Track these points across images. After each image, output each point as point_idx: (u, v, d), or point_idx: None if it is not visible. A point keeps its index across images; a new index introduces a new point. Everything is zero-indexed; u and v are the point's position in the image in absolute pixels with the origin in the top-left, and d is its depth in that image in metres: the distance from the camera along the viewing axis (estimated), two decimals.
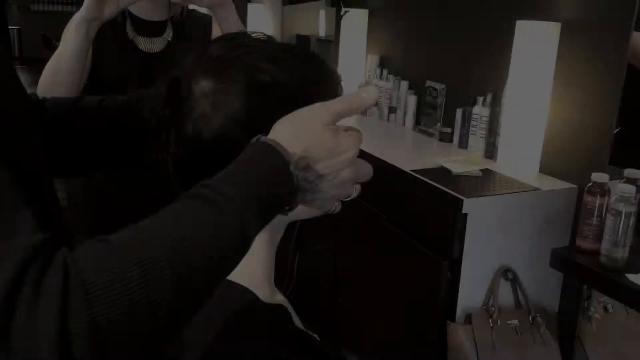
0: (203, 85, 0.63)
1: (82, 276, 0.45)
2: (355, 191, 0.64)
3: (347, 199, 0.64)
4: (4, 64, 0.69)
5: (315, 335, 0.80)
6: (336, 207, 0.65)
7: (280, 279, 2.76)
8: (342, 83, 0.72)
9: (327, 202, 0.63)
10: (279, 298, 0.76)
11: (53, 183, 0.77)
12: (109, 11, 1.27)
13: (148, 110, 0.85)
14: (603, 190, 1.40)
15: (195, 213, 0.52)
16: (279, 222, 0.71)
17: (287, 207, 0.59)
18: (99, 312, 0.44)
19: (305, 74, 0.65)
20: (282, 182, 0.56)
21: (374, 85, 0.63)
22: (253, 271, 0.71)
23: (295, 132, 0.59)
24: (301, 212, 0.71)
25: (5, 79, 0.68)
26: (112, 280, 0.45)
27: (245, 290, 0.68)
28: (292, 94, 0.63)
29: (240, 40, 0.67)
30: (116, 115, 0.87)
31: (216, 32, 1.58)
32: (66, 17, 1.41)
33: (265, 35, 0.69)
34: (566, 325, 1.70)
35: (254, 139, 0.59)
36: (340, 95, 0.71)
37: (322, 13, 3.57)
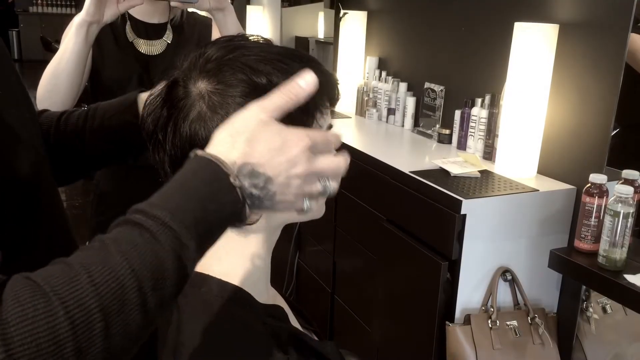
0: (200, 86, 0.64)
1: (4, 325, 0.41)
2: (327, 187, 0.59)
3: (324, 196, 0.60)
4: (12, 80, 0.70)
5: (313, 336, 0.80)
6: (308, 207, 0.60)
7: (280, 279, 2.77)
8: (340, 86, 0.72)
9: (291, 204, 0.58)
10: (276, 298, 0.76)
11: (56, 190, 0.77)
12: (109, 14, 1.28)
13: (107, 119, 0.85)
14: (601, 191, 1.41)
15: (128, 243, 0.48)
16: (275, 225, 0.72)
17: (237, 221, 0.56)
18: None
19: None
20: (223, 198, 0.53)
21: (310, 70, 0.61)
22: (249, 272, 0.71)
23: (233, 139, 0.55)
24: (292, 216, 0.71)
25: (15, 101, 0.68)
26: (36, 330, 0.42)
27: (241, 291, 0.68)
28: None
29: (238, 42, 0.67)
30: (72, 128, 0.87)
31: (216, 35, 1.59)
32: (65, 19, 1.42)
33: (263, 38, 0.70)
34: (565, 326, 1.70)
35: (191, 153, 0.56)
36: (338, 98, 0.71)
37: (321, 15, 3.59)
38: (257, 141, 0.55)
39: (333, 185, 0.59)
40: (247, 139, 0.55)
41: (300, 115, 0.64)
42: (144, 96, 0.85)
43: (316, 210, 0.73)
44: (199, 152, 0.55)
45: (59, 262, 0.47)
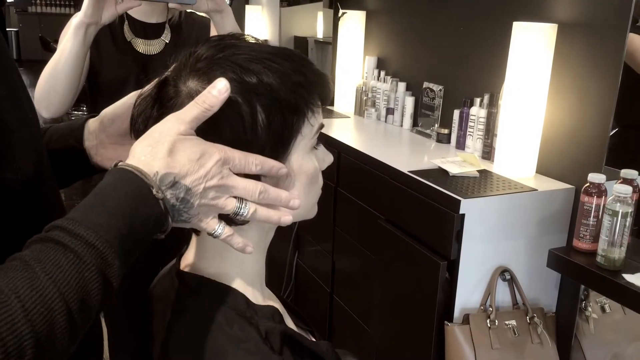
0: (190, 85, 0.63)
1: None
2: (242, 209, 0.60)
3: (237, 217, 0.60)
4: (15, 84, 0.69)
5: (310, 336, 0.80)
6: (220, 231, 0.60)
7: (279, 279, 2.77)
8: (336, 86, 0.72)
9: (205, 218, 0.59)
10: (271, 299, 0.76)
11: (57, 191, 0.77)
12: (107, 16, 1.28)
13: (53, 142, 0.85)
14: (600, 191, 1.41)
15: (53, 264, 0.47)
16: (268, 225, 0.71)
17: (159, 233, 0.56)
18: None
19: (293, 76, 0.65)
20: (146, 212, 0.53)
21: (222, 78, 0.61)
22: (244, 273, 0.71)
23: (153, 150, 0.56)
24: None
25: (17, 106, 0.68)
26: None
27: (235, 292, 0.68)
28: (279, 97, 0.63)
29: (228, 42, 0.66)
30: None
31: None
32: (64, 19, 1.42)
33: (254, 37, 0.69)
34: (564, 326, 1.70)
35: (112, 165, 0.56)
36: (329, 97, 0.71)
37: (320, 14, 3.59)
38: (177, 152, 0.56)
39: (250, 209, 0.60)
40: (167, 149, 0.56)
41: (291, 115, 0.64)
42: (91, 123, 0.85)
43: (308, 209, 0.73)
44: (120, 163, 0.56)
45: None
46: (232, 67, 0.62)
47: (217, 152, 0.58)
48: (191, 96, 0.63)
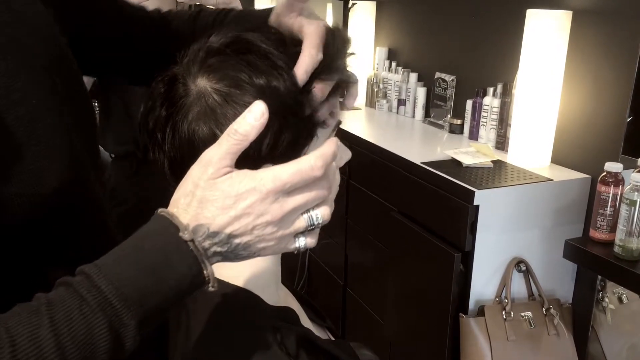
0: (200, 83, 0.60)
1: None
2: (313, 219, 0.55)
3: (316, 228, 0.56)
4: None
5: (326, 332, 0.79)
6: (304, 244, 0.56)
7: (291, 273, 2.77)
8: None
9: (279, 247, 0.55)
10: (287, 299, 0.75)
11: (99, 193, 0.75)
12: None
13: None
14: (616, 180, 1.39)
15: (64, 315, 0.45)
16: None
17: (200, 287, 0.52)
18: None
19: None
20: (177, 267, 0.50)
21: (259, 102, 0.57)
22: (259, 275, 0.69)
23: (185, 201, 0.52)
24: None
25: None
26: None
27: (251, 294, 0.67)
28: (287, 97, 0.60)
29: (240, 35, 0.63)
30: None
31: None
32: None
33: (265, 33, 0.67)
34: (580, 317, 1.68)
35: (155, 213, 0.53)
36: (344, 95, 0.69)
37: (329, 6, 3.56)
38: (207, 201, 0.51)
39: (322, 213, 0.55)
40: (198, 199, 0.52)
41: (311, 114, 0.62)
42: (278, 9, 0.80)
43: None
44: (162, 210, 0.53)
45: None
46: (243, 65, 0.59)
47: (257, 187, 0.51)
48: (201, 95, 0.60)
